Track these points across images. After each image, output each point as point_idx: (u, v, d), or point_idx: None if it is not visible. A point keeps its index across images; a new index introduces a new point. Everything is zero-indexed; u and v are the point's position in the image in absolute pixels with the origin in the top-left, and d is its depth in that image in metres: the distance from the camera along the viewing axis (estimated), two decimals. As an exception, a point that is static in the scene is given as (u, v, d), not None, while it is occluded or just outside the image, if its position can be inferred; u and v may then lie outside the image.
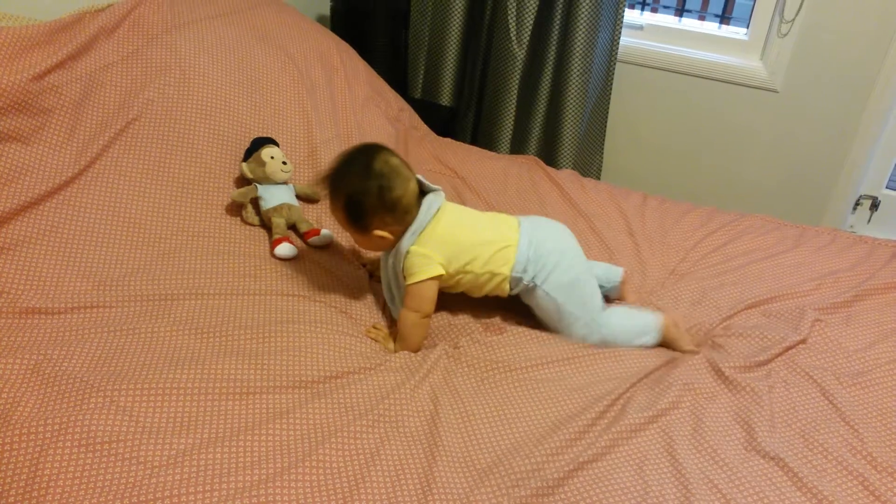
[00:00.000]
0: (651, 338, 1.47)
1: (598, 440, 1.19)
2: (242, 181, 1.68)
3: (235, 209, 1.65)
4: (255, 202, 1.65)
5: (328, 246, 1.66)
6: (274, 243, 1.58)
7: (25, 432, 1.06)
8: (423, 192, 1.45)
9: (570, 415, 1.25)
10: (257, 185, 1.64)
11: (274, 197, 1.64)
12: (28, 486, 1.01)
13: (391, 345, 1.43)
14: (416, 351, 1.41)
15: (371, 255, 1.66)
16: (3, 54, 1.41)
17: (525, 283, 1.45)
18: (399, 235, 1.42)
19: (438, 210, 1.43)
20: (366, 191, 1.36)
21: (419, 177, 1.45)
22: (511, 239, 1.45)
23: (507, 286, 1.46)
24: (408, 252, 1.40)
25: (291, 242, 1.60)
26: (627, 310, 1.52)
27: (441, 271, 1.40)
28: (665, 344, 1.49)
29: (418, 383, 1.28)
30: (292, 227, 1.67)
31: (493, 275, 1.44)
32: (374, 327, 1.46)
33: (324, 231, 1.67)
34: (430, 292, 1.41)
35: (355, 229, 1.42)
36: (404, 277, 1.42)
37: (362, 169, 1.38)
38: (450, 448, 1.15)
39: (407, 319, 1.40)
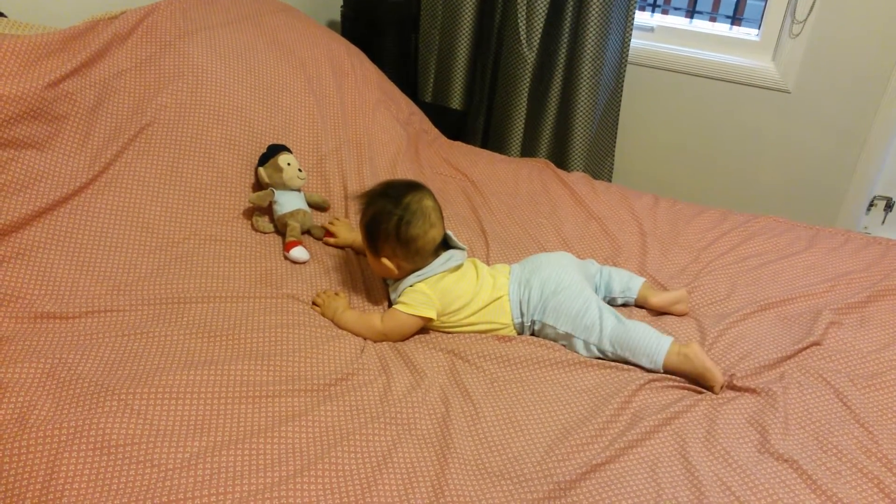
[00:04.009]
0: (653, 364, 1.36)
1: (611, 443, 1.19)
2: (256, 186, 1.69)
3: (248, 213, 1.66)
4: (269, 207, 1.67)
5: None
6: (288, 245, 1.59)
7: (41, 436, 1.07)
8: (449, 246, 1.49)
9: (582, 416, 1.24)
10: (273, 189, 1.65)
11: (289, 202, 1.66)
12: (44, 489, 1.02)
13: (336, 304, 1.44)
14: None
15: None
16: (18, 62, 1.43)
17: (528, 325, 1.47)
18: (405, 273, 1.45)
19: (455, 267, 1.46)
20: (386, 217, 1.41)
21: (449, 232, 1.49)
22: (503, 288, 1.48)
23: (515, 332, 1.48)
24: (411, 285, 1.44)
25: (305, 247, 1.61)
26: (643, 331, 1.39)
27: (433, 316, 1.42)
28: (686, 375, 1.36)
29: (429, 385, 1.28)
30: (305, 233, 1.68)
31: (500, 325, 1.47)
32: (325, 293, 1.49)
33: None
34: (411, 328, 1.43)
35: (369, 248, 1.47)
36: (398, 303, 1.44)
37: (394, 197, 1.43)
38: (461, 451, 1.15)
39: (372, 328, 1.42)
